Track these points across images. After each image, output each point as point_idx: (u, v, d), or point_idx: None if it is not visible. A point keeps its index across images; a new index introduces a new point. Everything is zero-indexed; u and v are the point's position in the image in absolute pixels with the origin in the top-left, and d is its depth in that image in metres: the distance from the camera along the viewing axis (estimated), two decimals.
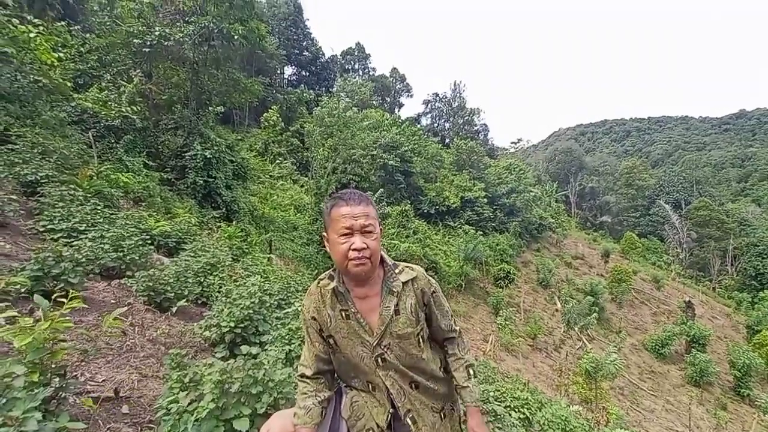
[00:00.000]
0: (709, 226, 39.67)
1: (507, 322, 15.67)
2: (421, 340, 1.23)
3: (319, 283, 1.28)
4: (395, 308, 1.20)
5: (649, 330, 22.63)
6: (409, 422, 1.22)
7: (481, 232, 24.76)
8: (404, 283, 1.22)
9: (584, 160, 58.50)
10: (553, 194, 39.25)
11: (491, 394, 4.04)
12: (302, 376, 1.29)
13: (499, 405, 3.82)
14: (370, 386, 1.26)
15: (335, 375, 1.36)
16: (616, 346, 14.24)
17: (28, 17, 8.86)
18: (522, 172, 34.87)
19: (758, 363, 17.86)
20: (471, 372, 1.30)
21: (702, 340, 19.87)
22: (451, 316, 1.35)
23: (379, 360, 1.20)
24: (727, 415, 15.41)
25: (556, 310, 21.35)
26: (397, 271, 1.24)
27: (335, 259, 1.18)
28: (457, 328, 1.35)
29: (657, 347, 20.08)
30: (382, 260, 1.26)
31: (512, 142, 74.17)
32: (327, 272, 1.30)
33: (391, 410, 1.23)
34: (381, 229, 1.25)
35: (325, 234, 1.24)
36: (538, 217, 30.75)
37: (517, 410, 4.40)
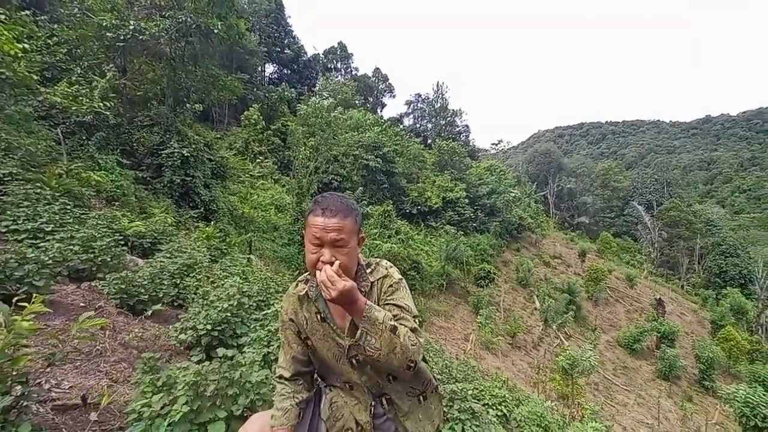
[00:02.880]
0: (678, 227, 41.40)
1: (487, 321, 15.92)
2: None
3: (296, 286, 1.28)
4: None
5: (622, 327, 23.43)
6: (385, 403, 1.24)
7: (462, 232, 25.06)
8: (372, 283, 1.20)
9: (562, 161, 60.01)
10: (533, 195, 40.11)
11: (470, 392, 4.10)
12: (280, 377, 1.28)
13: (477, 403, 3.87)
14: (347, 386, 1.27)
15: (314, 376, 1.36)
16: (591, 343, 14.69)
17: None
18: (502, 173, 35.50)
19: (721, 357, 18.78)
20: (403, 329, 1.07)
21: (671, 336, 20.73)
22: (407, 308, 1.17)
23: (353, 361, 1.21)
24: (693, 406, 16.14)
25: (535, 309, 21.84)
26: (368, 271, 1.23)
27: (307, 265, 1.16)
28: (414, 323, 1.14)
29: (630, 343, 20.82)
30: (357, 262, 1.22)
31: (493, 144, 75.35)
32: (303, 275, 1.30)
33: (372, 404, 1.24)
34: (362, 238, 1.21)
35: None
36: (517, 217, 31.34)
37: (495, 407, 4.47)
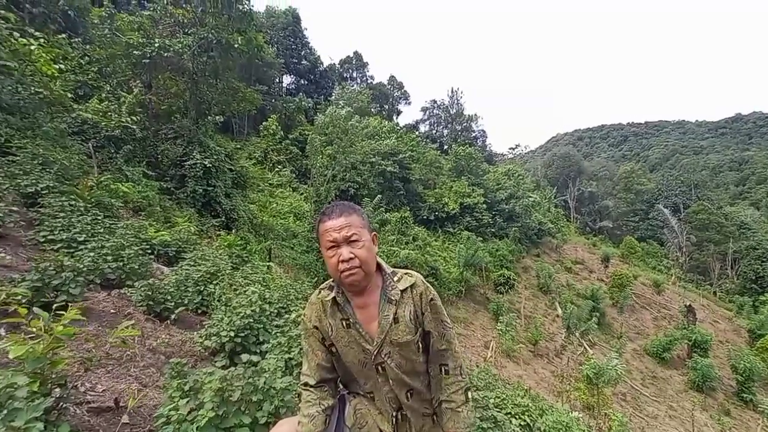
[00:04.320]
0: (708, 230, 39.66)
1: (508, 328, 15.60)
2: (420, 346, 1.25)
3: (319, 293, 1.30)
4: (394, 316, 1.21)
5: (650, 335, 22.52)
6: (400, 419, 1.26)
7: (481, 238, 24.74)
8: (402, 291, 1.23)
9: (583, 165, 58.68)
10: (552, 199, 39.30)
11: (491, 401, 4.02)
12: (305, 384, 1.29)
13: (500, 412, 3.80)
14: (369, 395, 1.28)
15: (338, 382, 1.37)
16: (617, 352, 14.18)
17: (30, 30, 8.97)
18: (521, 177, 34.96)
19: (761, 368, 17.74)
20: (469, 395, 1.30)
21: (704, 345, 19.76)
22: (448, 326, 1.31)
23: (379, 368, 1.22)
24: (731, 420, 15.29)
25: (557, 316, 21.27)
26: (395, 279, 1.25)
27: (330, 272, 1.21)
28: (453, 340, 1.31)
29: (659, 352, 19.96)
30: (381, 269, 1.27)
31: (510, 148, 74.44)
32: (327, 282, 1.32)
33: (394, 415, 1.25)
34: (375, 236, 1.27)
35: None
36: (537, 222, 30.76)
37: (517, 417, 4.37)
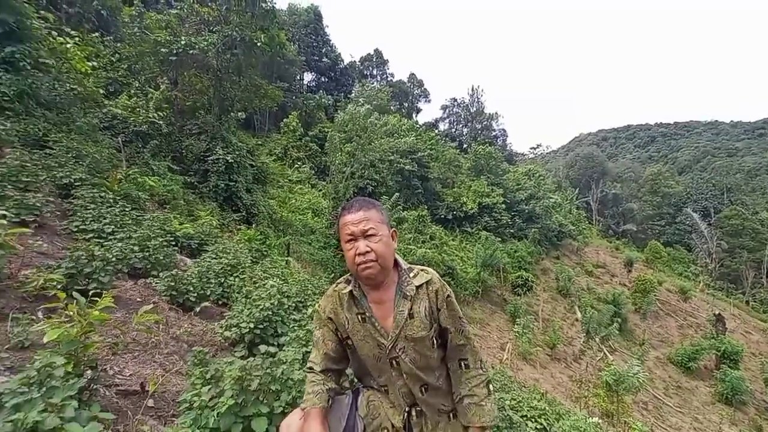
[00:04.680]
0: (741, 236, 37.86)
1: (525, 331, 15.35)
2: (435, 341, 1.25)
3: (336, 286, 1.33)
4: (409, 312, 1.22)
5: (675, 343, 21.73)
6: (414, 415, 1.26)
7: (499, 239, 24.41)
8: (418, 287, 1.24)
9: (606, 166, 56.98)
10: (574, 201, 38.39)
11: (507, 402, 3.98)
12: (310, 368, 1.33)
13: (515, 414, 3.76)
14: (383, 389, 1.30)
15: (341, 375, 1.40)
16: (639, 359, 13.75)
17: (66, 29, 9.38)
18: (541, 178, 34.27)
19: None
20: (491, 388, 1.29)
21: (734, 356, 18.91)
22: (464, 322, 1.33)
23: (394, 362, 1.24)
24: None
25: (576, 320, 20.79)
26: (411, 275, 1.27)
27: (348, 266, 1.24)
28: (470, 336, 1.33)
29: (684, 361, 19.23)
30: (397, 264, 1.29)
31: (531, 148, 73.00)
32: (344, 276, 1.34)
33: (407, 409, 1.26)
34: (394, 232, 1.28)
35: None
36: (557, 224, 30.10)
37: (534, 420, 4.31)
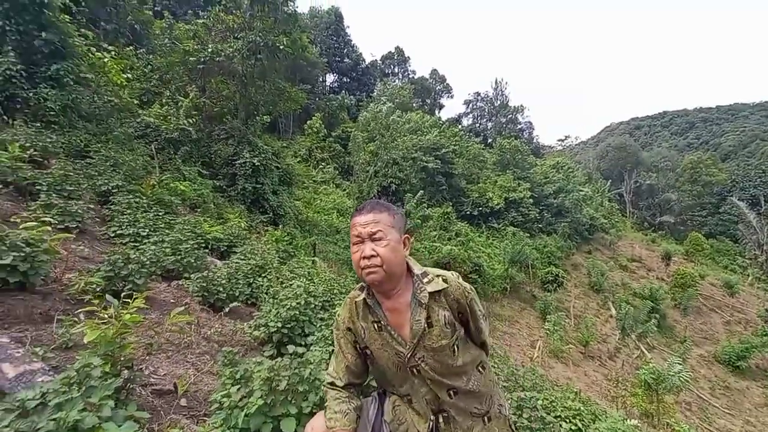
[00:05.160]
0: None
1: (556, 328, 14.89)
2: (456, 348, 1.19)
3: (351, 294, 1.29)
4: (427, 321, 1.16)
5: (720, 340, 20.45)
6: (442, 421, 1.19)
7: (527, 234, 23.81)
8: (432, 294, 1.17)
9: (640, 155, 54.27)
10: (606, 193, 36.87)
11: (539, 402, 3.86)
12: (332, 384, 1.28)
13: (548, 414, 3.64)
14: (406, 398, 1.23)
15: (362, 389, 1.35)
16: (680, 357, 13.02)
17: (104, 45, 9.91)
18: (570, 170, 33.13)
19: None
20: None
21: None
22: (486, 323, 1.30)
23: (414, 371, 1.18)
24: None
25: (610, 316, 19.95)
26: (425, 281, 1.19)
27: (354, 268, 1.20)
28: (488, 339, 1.31)
29: (732, 360, 18.06)
30: (410, 270, 1.23)
31: (559, 140, 70.70)
32: (360, 283, 1.30)
33: (432, 418, 1.19)
34: (407, 238, 1.23)
35: None
36: (588, 217, 29.00)
37: (568, 421, 4.16)
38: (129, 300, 1.98)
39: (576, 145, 79.34)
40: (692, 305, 22.90)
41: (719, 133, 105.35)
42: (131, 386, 1.65)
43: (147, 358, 2.27)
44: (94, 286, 2.75)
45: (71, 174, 5.30)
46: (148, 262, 3.51)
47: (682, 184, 47.99)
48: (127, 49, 12.92)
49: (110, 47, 10.06)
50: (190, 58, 11.94)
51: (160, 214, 5.68)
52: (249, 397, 1.92)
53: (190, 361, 2.49)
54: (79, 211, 4.34)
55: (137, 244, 4.38)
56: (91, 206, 4.90)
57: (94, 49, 9.14)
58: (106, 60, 9.29)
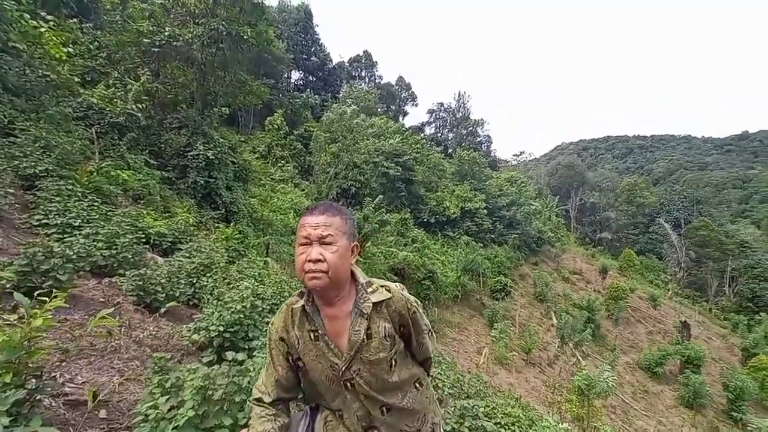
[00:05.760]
0: (708, 247, 39.58)
1: (502, 335, 15.55)
2: (393, 363, 1.16)
3: (289, 300, 1.22)
4: (366, 332, 1.13)
5: (644, 349, 22.46)
6: None
7: (480, 244, 24.70)
8: (376, 304, 1.14)
9: (586, 175, 58.59)
10: (554, 208, 39.25)
11: (481, 410, 3.98)
12: (259, 400, 1.20)
13: (489, 421, 3.76)
14: (337, 414, 1.18)
15: (290, 405, 1.28)
16: (610, 364, 14.11)
17: (42, 13, 8.95)
18: (523, 184, 34.93)
19: (752, 387, 17.68)
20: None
21: (696, 361, 19.70)
22: (432, 339, 1.28)
23: (348, 384, 1.14)
24: None
25: (552, 325, 21.21)
26: (369, 290, 1.16)
27: (296, 271, 1.13)
28: (432, 354, 1.29)
29: (651, 366, 19.91)
30: (355, 278, 1.19)
31: (514, 155, 74.27)
32: (299, 290, 1.23)
33: None
34: (356, 246, 1.19)
35: None
36: (537, 230, 30.71)
37: (507, 428, 4.33)
38: (46, 299, 1.77)
39: (530, 161, 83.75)
40: (623, 316, 24.98)
41: (652, 159, 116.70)
42: (38, 397, 1.48)
43: (63, 364, 2.05)
44: (4, 281, 2.44)
45: None
46: (75, 257, 3.19)
47: (620, 204, 52.48)
48: (71, 21, 11.78)
49: (49, 17, 9.11)
50: (144, 40, 11.14)
51: (97, 204, 5.21)
52: (179, 408, 1.79)
53: (116, 367, 2.28)
54: None
55: (64, 236, 3.97)
56: (11, 191, 4.38)
57: (28, 16, 8.23)
58: (43, 30, 8.39)
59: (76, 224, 4.34)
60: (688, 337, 22.93)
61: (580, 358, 18.44)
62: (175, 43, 11.25)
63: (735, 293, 37.62)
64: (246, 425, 1.82)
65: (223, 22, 11.69)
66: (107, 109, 9.87)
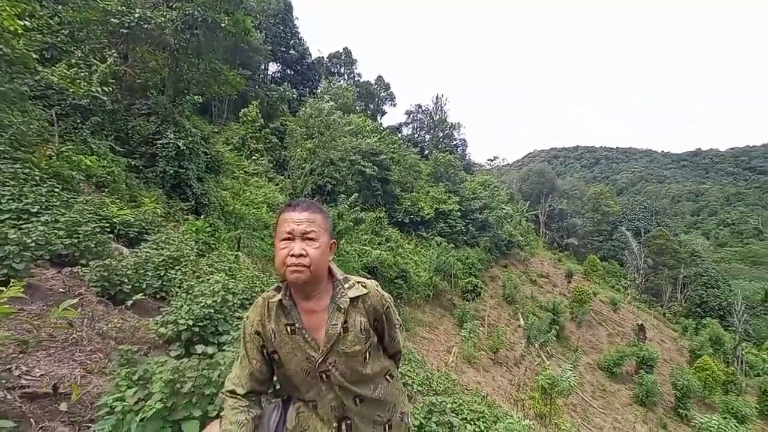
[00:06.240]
0: (664, 255, 42.13)
1: (471, 335, 15.92)
2: (368, 355, 1.21)
3: (265, 294, 1.24)
4: (343, 326, 1.17)
5: (604, 350, 23.61)
6: (344, 428, 1.18)
7: (453, 245, 25.15)
8: (353, 299, 1.19)
9: (556, 182, 60.84)
10: (524, 213, 40.51)
11: (449, 405, 4.08)
12: (232, 392, 1.20)
13: (456, 417, 3.86)
14: (311, 404, 1.21)
15: (261, 397, 1.29)
16: (572, 364, 14.76)
17: None
18: (496, 189, 35.84)
19: (697, 386, 18.99)
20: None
21: (650, 362, 20.94)
22: (401, 334, 1.36)
23: (323, 376, 1.17)
24: None
25: (519, 326, 21.91)
26: (346, 286, 1.21)
27: (276, 266, 1.15)
28: (402, 349, 1.36)
29: (610, 367, 20.96)
30: (332, 274, 1.23)
31: (489, 159, 76.17)
32: (276, 284, 1.26)
33: (335, 425, 1.19)
34: (333, 244, 1.23)
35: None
36: (508, 234, 31.59)
37: (473, 423, 4.45)
38: (2, 288, 1.67)
39: (503, 166, 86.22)
40: (585, 319, 26.15)
41: (617, 170, 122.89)
42: None
43: (20, 356, 1.93)
44: None
45: None
46: (33, 244, 3.01)
47: (586, 212, 54.96)
48: None
49: None
50: (112, 20, 10.58)
51: (56, 189, 4.91)
52: (146, 400, 1.73)
53: (78, 359, 2.17)
54: None
55: (21, 223, 3.73)
56: None
57: None
58: None
59: (34, 210, 4.08)
60: (644, 339, 24.31)
61: (544, 358, 19.16)
62: (146, 26, 10.75)
63: (686, 299, 40.25)
64: (217, 417, 1.80)
65: (199, 8, 11.29)
66: (69, 90, 9.29)
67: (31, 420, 1.55)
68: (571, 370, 12.07)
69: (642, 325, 25.54)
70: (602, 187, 65.87)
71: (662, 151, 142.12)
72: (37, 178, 4.87)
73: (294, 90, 31.73)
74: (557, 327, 21.80)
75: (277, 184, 21.57)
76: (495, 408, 7.26)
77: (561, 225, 52.70)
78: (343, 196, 18.47)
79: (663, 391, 19.43)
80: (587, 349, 23.29)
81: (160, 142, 10.72)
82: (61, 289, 3.11)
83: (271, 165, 23.40)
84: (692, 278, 40.14)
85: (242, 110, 25.26)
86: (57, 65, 10.20)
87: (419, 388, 5.45)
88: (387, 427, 1.24)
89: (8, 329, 1.92)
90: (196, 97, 13.08)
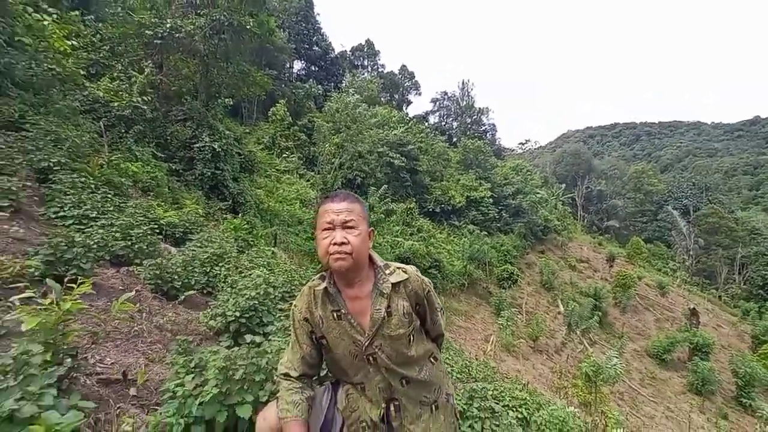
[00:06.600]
0: (717, 234, 39.19)
1: (509, 323, 15.66)
2: (411, 338, 1.25)
3: (311, 283, 1.30)
4: (387, 310, 1.21)
5: (651, 336, 22.48)
6: (392, 410, 1.23)
7: (486, 233, 24.71)
8: (394, 285, 1.23)
9: (592, 163, 57.97)
10: (560, 196, 39.01)
11: (490, 392, 4.06)
12: (286, 375, 1.28)
13: (497, 403, 3.84)
14: (360, 387, 1.27)
15: (314, 380, 1.37)
16: (617, 351, 14.17)
17: (43, 6, 8.95)
18: (529, 173, 34.70)
19: (762, 373, 17.66)
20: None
21: (705, 348, 19.69)
22: (443, 316, 1.39)
23: (370, 359, 1.22)
24: (729, 424, 15.30)
25: (559, 313, 21.29)
26: (387, 272, 1.25)
27: (319, 255, 1.22)
28: (444, 332, 1.40)
29: (659, 353, 19.94)
30: (373, 261, 1.27)
31: (520, 143, 73.72)
32: (319, 273, 1.32)
33: (383, 405, 1.24)
34: (372, 231, 1.27)
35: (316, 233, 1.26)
36: (543, 219, 30.59)
37: (515, 410, 4.41)
38: (73, 285, 1.85)
39: (535, 149, 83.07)
40: (630, 304, 24.96)
41: (660, 146, 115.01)
42: (75, 375, 1.56)
43: (92, 346, 2.14)
44: (32, 270, 2.53)
45: (3, 147, 4.81)
46: (95, 246, 3.28)
47: (627, 192, 52.00)
48: (72, 13, 11.77)
49: (51, 9, 9.11)
50: (147, 32, 11.13)
51: (109, 195, 5.30)
52: (203, 386, 1.87)
53: (140, 350, 2.37)
54: (13, 188, 3.95)
55: (82, 227, 4.07)
56: (28, 184, 4.47)
57: (31, 9, 8.23)
58: (46, 23, 8.41)
59: (92, 215, 4.44)
60: (697, 324, 22.88)
61: (587, 345, 18.54)
62: (177, 34, 11.23)
63: (745, 280, 37.33)
64: (267, 402, 1.91)
65: (225, 13, 11.63)
66: (113, 102, 9.92)
67: (110, 402, 1.73)
68: (617, 356, 11.60)
69: (694, 309, 24.03)
70: (644, 165, 61.76)
71: (712, 123, 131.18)
72: (92, 185, 5.27)
73: (319, 86, 32.09)
74: (600, 313, 20.97)
75: (308, 180, 22.04)
76: (537, 395, 7.15)
77: (600, 207, 50.23)
78: (372, 188, 18.59)
79: (722, 379, 18.26)
80: (633, 336, 22.26)
81: (197, 145, 11.23)
82: (120, 287, 3.38)
83: (301, 162, 23.92)
84: (752, 258, 37.05)
85: (270, 110, 25.90)
86: (101, 80, 10.91)
87: (458, 376, 5.46)
88: (434, 408, 1.29)
89: (81, 323, 2.13)
90: (227, 100, 13.57)
